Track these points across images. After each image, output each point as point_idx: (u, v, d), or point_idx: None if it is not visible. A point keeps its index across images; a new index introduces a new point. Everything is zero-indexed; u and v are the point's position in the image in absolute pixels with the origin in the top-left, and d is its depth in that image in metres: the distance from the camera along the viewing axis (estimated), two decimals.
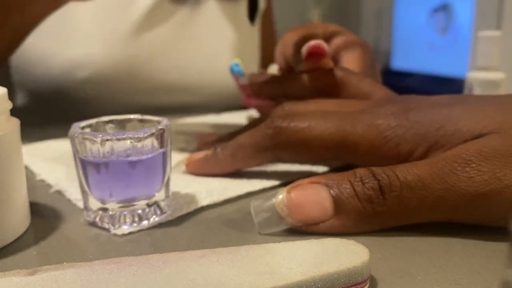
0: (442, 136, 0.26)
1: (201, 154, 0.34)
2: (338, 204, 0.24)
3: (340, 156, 0.30)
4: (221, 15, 0.68)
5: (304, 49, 0.39)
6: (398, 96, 0.33)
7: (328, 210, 0.24)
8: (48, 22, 0.55)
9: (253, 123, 0.35)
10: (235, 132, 0.35)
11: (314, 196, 0.25)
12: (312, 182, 0.25)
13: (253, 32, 0.73)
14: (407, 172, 0.24)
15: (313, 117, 0.30)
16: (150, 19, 0.61)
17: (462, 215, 0.24)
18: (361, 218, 0.24)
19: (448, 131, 0.26)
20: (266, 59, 0.76)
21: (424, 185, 0.24)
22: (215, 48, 0.67)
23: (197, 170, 0.34)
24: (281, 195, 0.25)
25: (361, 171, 0.25)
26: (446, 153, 0.25)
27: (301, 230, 0.25)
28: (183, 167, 0.35)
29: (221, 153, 0.33)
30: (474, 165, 0.23)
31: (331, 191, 0.25)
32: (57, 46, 0.57)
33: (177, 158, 0.36)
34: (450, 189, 0.23)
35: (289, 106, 0.34)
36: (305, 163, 0.36)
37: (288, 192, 0.25)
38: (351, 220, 0.25)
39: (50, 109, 0.59)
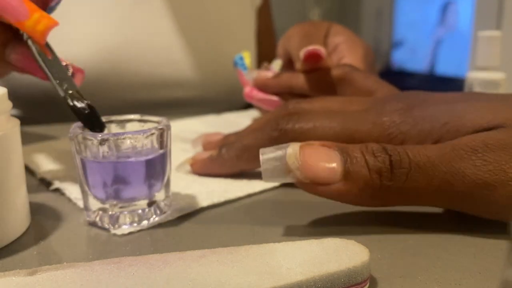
0: (447, 132, 0.26)
1: (206, 154, 0.34)
2: (348, 170, 0.24)
3: None
4: (212, 8, 0.67)
5: (302, 53, 0.39)
6: (402, 93, 0.33)
7: (337, 173, 0.24)
8: None
9: (257, 123, 0.35)
10: (240, 132, 0.35)
11: (326, 157, 0.24)
12: (324, 145, 0.25)
13: (249, 27, 0.73)
14: (417, 152, 0.24)
15: (317, 117, 0.30)
16: (136, 14, 0.60)
17: (465, 203, 0.24)
18: (367, 188, 0.24)
19: (453, 127, 0.26)
20: (263, 54, 0.76)
21: (432, 166, 0.24)
22: (207, 42, 0.66)
23: (201, 170, 0.34)
24: (294, 147, 0.25)
25: (373, 145, 0.25)
26: (454, 140, 0.25)
27: (307, 191, 0.25)
28: (188, 167, 0.35)
29: (226, 154, 0.33)
30: (480, 154, 0.24)
31: (342, 156, 0.24)
32: None
33: (181, 158, 0.36)
34: (456, 173, 0.24)
35: (293, 105, 0.34)
36: None
37: (302, 147, 0.25)
38: (357, 188, 0.24)
39: (36, 111, 0.59)
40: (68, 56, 0.55)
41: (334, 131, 0.29)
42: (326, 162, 0.24)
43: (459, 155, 0.24)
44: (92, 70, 0.57)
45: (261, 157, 0.25)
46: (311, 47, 0.39)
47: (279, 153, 0.25)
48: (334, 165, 0.24)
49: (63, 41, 0.57)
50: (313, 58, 0.39)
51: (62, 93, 0.28)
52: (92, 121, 0.27)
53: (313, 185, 0.24)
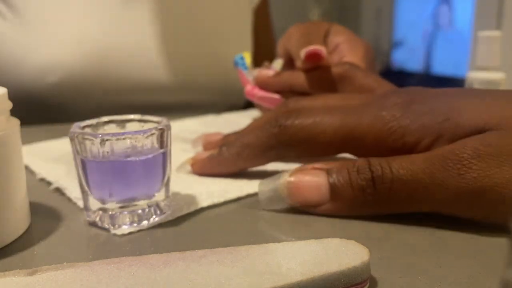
0: (447, 129, 0.26)
1: (206, 154, 0.34)
2: (334, 190, 0.27)
3: (346, 150, 0.30)
4: (204, 9, 0.67)
5: (302, 53, 0.39)
6: (401, 88, 0.33)
7: (325, 195, 0.27)
8: (17, 29, 0.54)
9: (257, 122, 0.35)
10: (239, 131, 0.35)
11: (313, 182, 0.27)
12: (314, 168, 0.27)
13: (245, 28, 0.73)
14: (401, 165, 0.25)
15: (317, 113, 0.30)
16: (126, 15, 0.60)
17: (451, 209, 0.25)
18: (353, 205, 0.26)
19: (452, 123, 0.26)
20: (261, 53, 0.75)
21: (415, 179, 0.25)
22: (203, 44, 0.66)
23: (202, 169, 0.34)
24: (283, 178, 0.27)
25: (359, 162, 0.27)
26: (442, 148, 0.25)
27: (301, 210, 0.28)
28: (188, 167, 0.35)
29: (226, 153, 0.33)
30: (465, 162, 0.24)
31: (330, 178, 0.27)
32: (26, 52, 0.56)
33: (182, 158, 0.36)
34: (439, 184, 0.24)
35: (293, 103, 0.34)
36: (311, 158, 0.36)
37: (290, 176, 0.27)
38: (345, 206, 0.27)
39: (22, 114, 0.58)
40: (54, 59, 0.55)
41: (334, 126, 0.29)
42: (314, 186, 0.27)
43: (445, 165, 0.24)
44: (80, 74, 0.57)
45: (258, 189, 0.29)
46: (311, 47, 0.39)
47: (272, 185, 0.28)
48: (321, 188, 0.27)
49: (49, 44, 0.57)
50: (314, 57, 0.39)
51: None
52: None
53: (306, 207, 0.27)
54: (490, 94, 0.28)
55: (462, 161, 0.24)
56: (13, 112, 0.26)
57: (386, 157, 0.26)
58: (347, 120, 0.29)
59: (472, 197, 0.24)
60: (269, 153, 0.31)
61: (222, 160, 0.33)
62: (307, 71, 0.41)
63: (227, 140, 0.34)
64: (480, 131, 0.25)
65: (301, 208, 0.27)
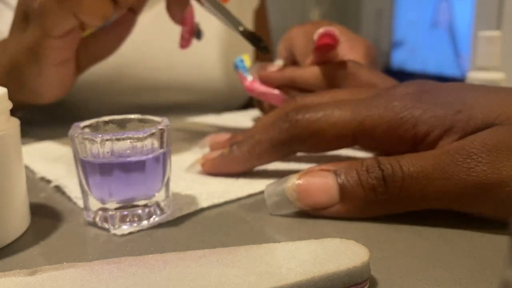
0: (459, 121, 0.26)
1: (217, 153, 0.34)
2: (343, 191, 0.26)
3: (357, 141, 0.30)
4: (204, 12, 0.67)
5: (316, 35, 0.39)
6: (410, 81, 0.33)
7: (334, 196, 0.26)
8: None
9: (265, 119, 0.35)
10: (248, 130, 0.35)
11: (322, 183, 0.26)
12: (322, 170, 0.27)
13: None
14: (411, 163, 0.25)
15: (327, 107, 0.30)
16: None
17: (461, 205, 0.25)
18: (364, 205, 0.26)
19: (465, 116, 0.26)
20: (258, 56, 0.76)
21: (425, 175, 0.25)
22: (204, 46, 0.66)
23: (213, 169, 0.34)
24: (291, 181, 0.27)
25: (368, 161, 0.26)
26: (452, 145, 0.25)
27: (310, 213, 0.27)
28: (199, 167, 0.35)
29: (237, 151, 0.33)
30: (475, 156, 0.24)
31: (338, 179, 0.26)
32: None
33: (183, 158, 0.36)
34: (449, 178, 0.24)
35: (301, 98, 0.34)
36: (322, 152, 0.36)
37: (298, 178, 0.27)
38: (355, 207, 0.26)
39: (33, 114, 0.59)
40: None
41: (344, 118, 0.29)
42: (323, 189, 0.26)
43: (454, 160, 0.24)
44: (94, 74, 0.57)
45: (265, 194, 0.28)
46: (323, 28, 0.38)
47: (279, 188, 0.27)
48: (330, 190, 0.26)
49: None
50: (326, 46, 0.39)
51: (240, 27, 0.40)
52: (260, 44, 0.39)
53: (315, 210, 0.27)
54: (502, 90, 0.28)
55: (472, 155, 0.24)
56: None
57: (394, 156, 0.26)
58: (358, 112, 0.29)
59: (482, 190, 0.24)
60: (281, 148, 0.31)
61: (233, 158, 0.33)
62: (316, 64, 0.41)
63: (237, 139, 0.34)
64: (490, 125, 0.25)
65: (310, 212, 0.27)
